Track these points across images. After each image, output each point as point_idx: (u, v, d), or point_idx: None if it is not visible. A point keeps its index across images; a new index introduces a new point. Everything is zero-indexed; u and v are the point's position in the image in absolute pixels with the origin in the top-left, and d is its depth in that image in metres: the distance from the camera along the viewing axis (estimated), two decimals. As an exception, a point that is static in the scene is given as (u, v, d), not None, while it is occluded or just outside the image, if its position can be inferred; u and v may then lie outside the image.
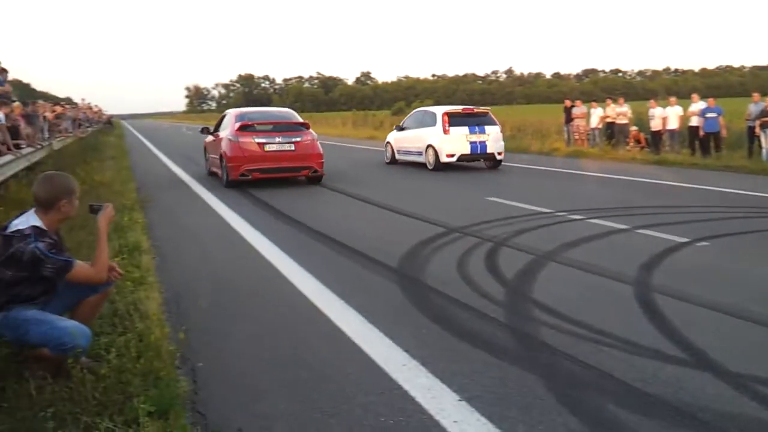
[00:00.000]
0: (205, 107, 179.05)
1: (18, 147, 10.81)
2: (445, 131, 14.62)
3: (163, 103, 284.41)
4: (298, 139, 12.21)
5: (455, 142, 14.56)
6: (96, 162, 15.98)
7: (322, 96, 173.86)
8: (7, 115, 10.88)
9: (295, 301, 4.85)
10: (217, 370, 3.57)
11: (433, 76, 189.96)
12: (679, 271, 5.60)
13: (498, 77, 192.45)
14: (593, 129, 21.07)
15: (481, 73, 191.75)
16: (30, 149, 11.77)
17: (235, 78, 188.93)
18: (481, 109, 16.35)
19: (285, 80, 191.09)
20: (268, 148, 11.94)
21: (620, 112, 19.64)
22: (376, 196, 10.47)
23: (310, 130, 12.76)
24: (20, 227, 3.27)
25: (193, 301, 4.83)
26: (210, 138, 13.88)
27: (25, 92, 73.18)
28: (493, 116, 15.77)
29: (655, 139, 18.29)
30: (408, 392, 3.21)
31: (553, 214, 8.55)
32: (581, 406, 3.07)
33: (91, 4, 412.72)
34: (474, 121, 15.06)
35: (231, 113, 13.37)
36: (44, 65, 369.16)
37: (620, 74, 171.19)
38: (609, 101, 21.02)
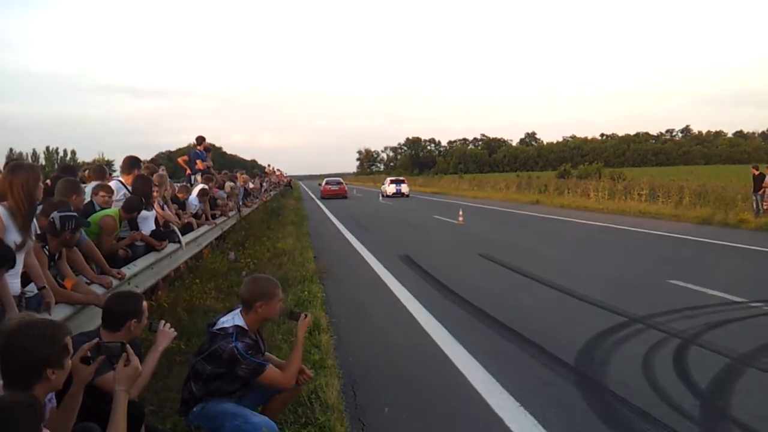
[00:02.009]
0: (374, 169, 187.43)
1: (213, 217, 11.95)
2: (388, 185, 45.22)
3: (335, 165, 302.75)
4: (340, 185, 45.24)
5: (390, 189, 43.74)
6: (279, 227, 17.24)
7: (485, 157, 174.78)
8: (209, 188, 12.13)
9: (468, 399, 4.74)
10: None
11: (602, 135, 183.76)
12: None
13: (673, 136, 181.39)
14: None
15: (654, 132, 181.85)
16: (223, 218, 12.95)
17: (403, 141, 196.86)
18: (401, 177, 52.53)
19: (450, 142, 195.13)
20: (330, 188, 44.52)
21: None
22: (544, 273, 10.14)
23: (344, 182, 48.14)
24: (225, 325, 3.55)
25: (369, 390, 4.94)
26: (320, 186, 49.34)
27: (217, 156, 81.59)
28: (405, 180, 47.56)
29: None
30: None
31: (746, 305, 7.72)
32: None
33: (271, 77, 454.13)
34: (398, 181, 45.81)
35: (324, 179, 49.34)
36: (232, 131, 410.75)
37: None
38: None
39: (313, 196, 46.94)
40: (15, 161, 4.98)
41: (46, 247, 4.43)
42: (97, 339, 2.82)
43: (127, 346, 2.71)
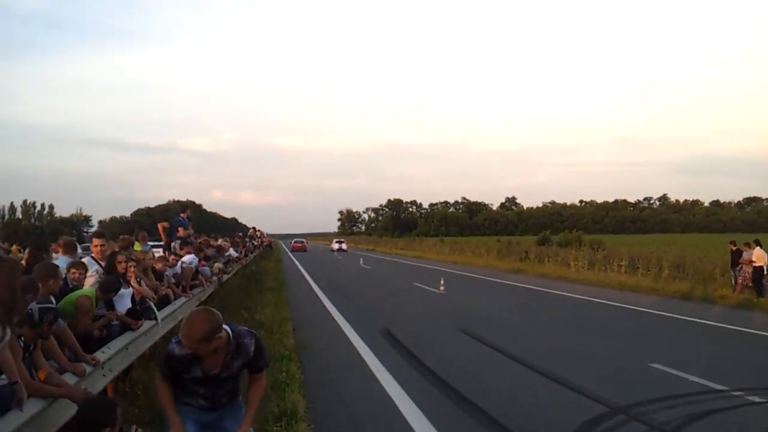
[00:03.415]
0: (355, 229, 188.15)
1: (192, 287, 11.80)
2: (334, 242, 75.63)
3: (317, 224, 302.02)
4: (302, 243, 74.72)
5: (335, 245, 71.55)
6: (257, 294, 17.06)
7: (466, 220, 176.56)
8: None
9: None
10: None
11: (581, 202, 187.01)
12: None
13: (651, 204, 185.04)
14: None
15: (632, 200, 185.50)
16: (200, 288, 12.78)
17: (384, 203, 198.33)
18: (342, 238, 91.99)
19: (431, 205, 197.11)
20: (297, 244, 73.29)
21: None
22: (527, 352, 10.06)
23: (305, 241, 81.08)
24: None
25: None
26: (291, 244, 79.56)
27: (197, 214, 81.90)
28: (344, 240, 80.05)
29: None
30: None
31: (727, 394, 7.70)
32: None
33: (252, 134, 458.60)
34: (340, 241, 75.95)
35: (294, 239, 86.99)
36: (213, 187, 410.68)
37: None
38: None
39: (287, 251, 67.85)
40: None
41: (21, 338, 4.32)
42: None
43: None
